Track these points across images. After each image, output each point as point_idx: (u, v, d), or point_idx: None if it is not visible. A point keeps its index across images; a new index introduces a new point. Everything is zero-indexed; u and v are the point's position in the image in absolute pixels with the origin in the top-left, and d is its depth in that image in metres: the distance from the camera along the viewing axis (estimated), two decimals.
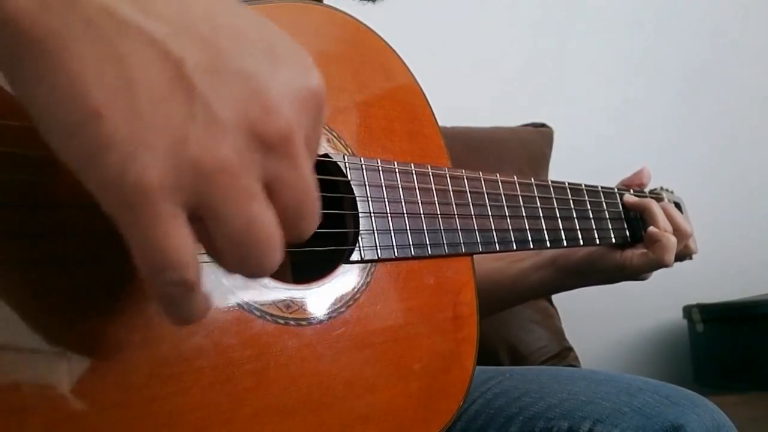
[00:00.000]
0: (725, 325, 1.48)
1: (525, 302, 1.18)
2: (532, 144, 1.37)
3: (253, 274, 0.29)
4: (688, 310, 1.55)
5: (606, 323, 1.52)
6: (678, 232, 0.78)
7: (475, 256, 0.83)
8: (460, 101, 1.37)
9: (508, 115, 1.42)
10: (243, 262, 0.28)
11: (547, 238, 0.65)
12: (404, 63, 0.58)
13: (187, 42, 0.26)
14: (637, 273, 0.79)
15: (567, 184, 0.71)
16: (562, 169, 1.31)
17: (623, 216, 0.79)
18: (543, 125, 1.41)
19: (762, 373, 1.36)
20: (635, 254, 0.78)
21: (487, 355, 1.14)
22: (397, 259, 0.50)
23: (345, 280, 0.47)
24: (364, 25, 0.56)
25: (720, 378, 1.48)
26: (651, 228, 0.77)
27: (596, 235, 0.73)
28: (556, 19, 1.63)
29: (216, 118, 0.26)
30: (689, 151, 1.70)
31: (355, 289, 0.47)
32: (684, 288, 1.50)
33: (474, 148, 1.27)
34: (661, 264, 0.76)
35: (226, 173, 0.26)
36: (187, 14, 0.27)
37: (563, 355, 1.23)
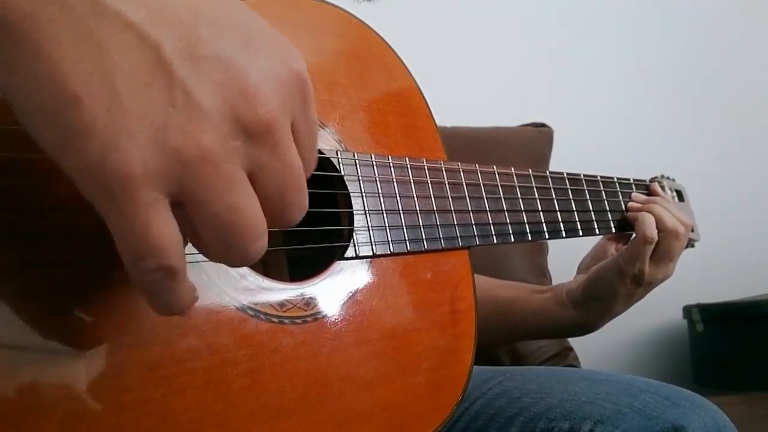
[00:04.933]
0: (725, 325, 1.48)
1: (555, 338, 1.15)
2: (532, 144, 1.36)
3: (237, 262, 0.28)
4: (688, 310, 1.55)
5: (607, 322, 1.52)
6: (666, 231, 0.74)
7: (494, 285, 0.83)
8: (460, 101, 1.36)
9: (508, 115, 1.41)
10: (226, 250, 0.27)
11: (545, 230, 0.65)
12: (398, 56, 0.57)
13: (165, 27, 0.26)
14: (633, 263, 0.73)
15: (565, 174, 0.70)
16: (561, 169, 1.30)
17: (623, 206, 0.78)
18: (543, 125, 1.40)
19: (762, 373, 1.36)
20: (623, 248, 0.75)
21: (486, 355, 1.13)
22: (392, 254, 0.49)
23: (340, 276, 0.46)
24: (357, 19, 0.55)
25: (720, 378, 1.48)
26: (629, 204, 0.76)
27: (596, 226, 0.72)
28: (557, 19, 1.63)
29: (197, 104, 0.26)
30: (689, 151, 1.70)
31: (351, 286, 0.47)
32: (684, 288, 1.49)
33: (474, 148, 1.27)
34: (645, 239, 0.72)
35: (207, 161, 0.26)
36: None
37: (563, 355, 1.23)
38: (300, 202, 0.30)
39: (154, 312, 0.28)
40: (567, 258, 0.92)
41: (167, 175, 0.25)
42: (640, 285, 0.75)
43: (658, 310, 1.59)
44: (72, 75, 0.24)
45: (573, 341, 1.26)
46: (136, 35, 0.25)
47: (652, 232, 0.73)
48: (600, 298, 0.76)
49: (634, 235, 0.75)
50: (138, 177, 0.24)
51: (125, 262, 0.26)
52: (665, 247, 0.75)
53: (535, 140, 1.37)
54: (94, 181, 0.25)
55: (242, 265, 0.29)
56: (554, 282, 1.27)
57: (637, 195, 0.80)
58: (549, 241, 1.29)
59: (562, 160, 1.38)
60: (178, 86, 0.25)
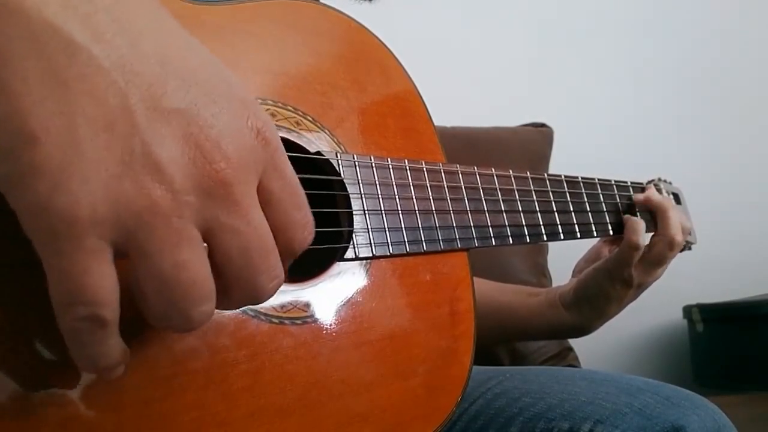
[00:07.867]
0: (725, 325, 1.48)
1: (551, 339, 1.16)
2: (532, 144, 1.37)
3: (178, 325, 0.27)
4: (688, 310, 1.55)
5: (606, 323, 1.52)
6: (666, 235, 0.76)
7: (491, 288, 0.83)
8: (460, 101, 1.36)
9: (508, 115, 1.41)
10: (167, 310, 0.27)
11: (543, 232, 0.65)
12: (397, 59, 0.57)
13: (135, 75, 0.26)
14: (621, 267, 0.74)
15: (563, 176, 0.71)
16: (562, 169, 1.30)
17: (621, 209, 0.78)
18: (543, 125, 1.40)
19: (762, 373, 1.36)
20: (614, 251, 0.76)
21: (486, 355, 1.14)
22: (392, 255, 0.50)
23: (340, 278, 0.46)
24: (357, 22, 0.55)
25: (720, 378, 1.48)
26: (637, 196, 0.77)
27: (594, 229, 0.73)
28: (557, 19, 1.63)
29: (154, 156, 0.25)
30: (689, 151, 1.70)
31: (351, 287, 0.47)
32: (684, 288, 1.50)
33: (474, 148, 1.27)
34: (632, 245, 0.73)
35: (157, 213, 0.25)
36: (138, 47, 0.26)
37: (563, 355, 1.23)
38: (269, 269, 0.29)
39: (79, 367, 0.27)
40: (567, 258, 0.92)
41: (114, 223, 0.25)
42: (630, 287, 0.76)
43: (658, 310, 1.59)
44: (33, 113, 0.24)
45: (573, 341, 1.26)
46: (105, 80, 0.25)
47: (639, 238, 0.74)
48: (591, 300, 0.77)
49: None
50: (84, 222, 0.24)
51: (54, 306, 0.25)
52: (658, 254, 0.76)
53: (535, 140, 1.37)
54: (39, 222, 0.24)
55: (184, 331, 0.28)
56: (554, 282, 1.28)
57: (651, 191, 0.80)
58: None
59: (562, 161, 1.38)
60: (137, 136, 0.25)
